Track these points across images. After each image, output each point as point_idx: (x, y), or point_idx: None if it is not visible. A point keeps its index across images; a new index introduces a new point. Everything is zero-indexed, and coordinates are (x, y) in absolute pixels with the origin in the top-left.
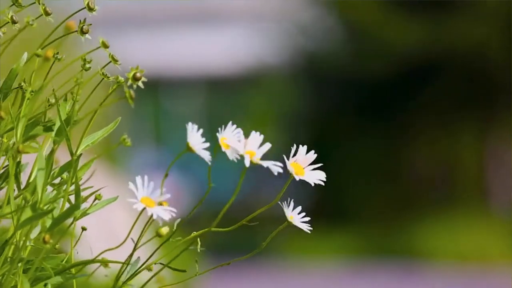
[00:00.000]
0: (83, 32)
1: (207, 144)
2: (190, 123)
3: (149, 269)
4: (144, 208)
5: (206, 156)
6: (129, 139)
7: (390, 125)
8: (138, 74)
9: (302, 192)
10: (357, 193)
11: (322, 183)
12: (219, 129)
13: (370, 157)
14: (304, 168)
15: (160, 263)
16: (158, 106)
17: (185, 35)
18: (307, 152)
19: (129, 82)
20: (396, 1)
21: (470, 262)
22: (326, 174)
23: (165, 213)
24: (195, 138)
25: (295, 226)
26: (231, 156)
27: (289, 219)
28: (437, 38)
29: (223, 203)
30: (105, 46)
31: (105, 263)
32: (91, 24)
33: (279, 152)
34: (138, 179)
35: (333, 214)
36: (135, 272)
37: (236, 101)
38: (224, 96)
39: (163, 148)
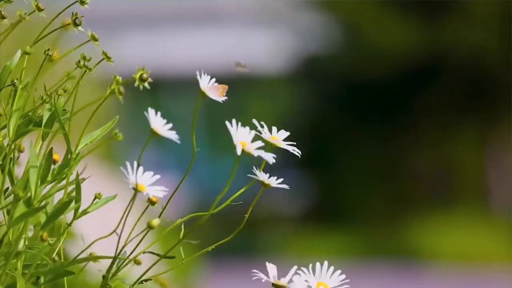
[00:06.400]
0: (76, 25)
1: (170, 125)
2: (149, 109)
3: (138, 263)
4: (136, 192)
5: (173, 136)
6: (120, 134)
7: (390, 126)
8: (144, 75)
9: (302, 193)
10: (358, 193)
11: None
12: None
13: (370, 158)
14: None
15: (150, 252)
16: (158, 106)
17: (185, 35)
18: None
19: (136, 83)
20: (395, 3)
21: (471, 263)
22: (326, 175)
23: (157, 192)
24: (158, 122)
25: (275, 188)
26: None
27: (265, 181)
28: (437, 40)
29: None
30: (94, 39)
31: (95, 258)
32: (83, 16)
33: (279, 153)
34: (128, 165)
35: (333, 214)
36: (121, 265)
37: (236, 101)
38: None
39: (163, 148)
